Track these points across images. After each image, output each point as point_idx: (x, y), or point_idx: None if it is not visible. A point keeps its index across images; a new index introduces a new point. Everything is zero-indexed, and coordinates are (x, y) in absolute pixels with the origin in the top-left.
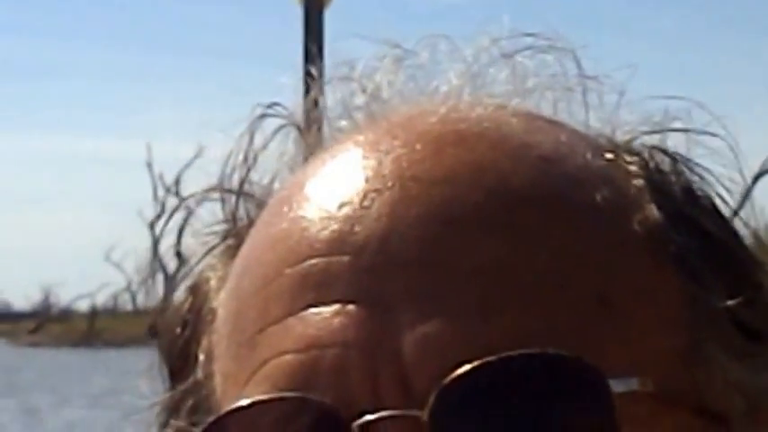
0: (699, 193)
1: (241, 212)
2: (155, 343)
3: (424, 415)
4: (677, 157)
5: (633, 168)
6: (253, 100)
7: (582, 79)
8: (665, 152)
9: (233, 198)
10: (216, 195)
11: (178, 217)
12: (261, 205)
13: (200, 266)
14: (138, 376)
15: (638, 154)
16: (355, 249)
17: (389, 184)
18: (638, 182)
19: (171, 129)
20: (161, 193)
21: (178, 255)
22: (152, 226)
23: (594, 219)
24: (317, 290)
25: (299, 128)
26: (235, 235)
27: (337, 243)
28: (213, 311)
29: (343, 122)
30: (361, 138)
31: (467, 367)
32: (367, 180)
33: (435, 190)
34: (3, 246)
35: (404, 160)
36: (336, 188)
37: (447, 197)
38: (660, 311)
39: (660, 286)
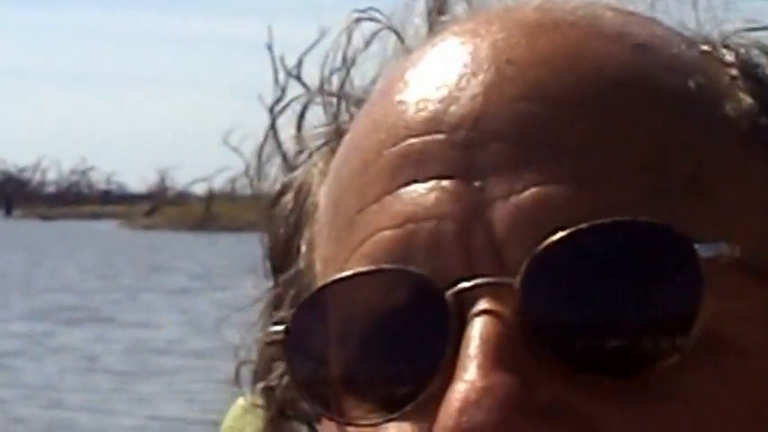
0: None
1: (344, 117)
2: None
3: (516, 282)
4: None
5: (728, 59)
6: None
7: None
8: (761, 48)
9: (335, 101)
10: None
11: (298, 102)
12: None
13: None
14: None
15: (733, 49)
16: (450, 127)
17: (485, 66)
18: (732, 71)
19: (292, 9)
20: (282, 76)
21: (297, 139)
22: (272, 110)
23: (687, 103)
24: (414, 168)
25: (396, 32)
26: (339, 137)
27: (433, 122)
28: (315, 204)
29: (443, 18)
30: (458, 27)
31: (558, 235)
32: (464, 64)
33: (530, 72)
34: (118, 127)
35: (500, 45)
36: (434, 73)
37: (542, 79)
38: (751, 195)
39: (751, 171)
